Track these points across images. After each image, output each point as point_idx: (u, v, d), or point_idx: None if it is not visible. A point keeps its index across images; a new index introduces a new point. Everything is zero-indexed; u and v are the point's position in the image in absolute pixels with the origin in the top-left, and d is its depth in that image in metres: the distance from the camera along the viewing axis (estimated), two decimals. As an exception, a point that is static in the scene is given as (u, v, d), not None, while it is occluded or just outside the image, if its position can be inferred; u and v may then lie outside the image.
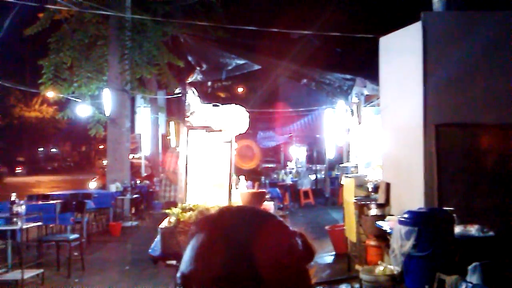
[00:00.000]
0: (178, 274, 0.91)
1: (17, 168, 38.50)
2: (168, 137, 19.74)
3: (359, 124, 9.12)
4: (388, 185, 6.29)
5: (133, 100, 17.37)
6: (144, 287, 6.93)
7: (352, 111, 9.73)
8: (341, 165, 10.85)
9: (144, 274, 7.62)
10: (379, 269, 5.28)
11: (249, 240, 0.87)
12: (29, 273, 6.93)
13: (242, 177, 6.34)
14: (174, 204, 5.54)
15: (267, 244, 0.88)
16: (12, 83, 13.96)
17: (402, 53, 6.28)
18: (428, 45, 5.79)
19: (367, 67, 8.43)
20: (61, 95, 14.44)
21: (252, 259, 0.85)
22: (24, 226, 6.95)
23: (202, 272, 0.86)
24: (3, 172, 36.20)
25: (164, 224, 4.69)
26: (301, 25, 10.05)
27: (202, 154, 5.81)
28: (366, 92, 9.48)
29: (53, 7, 12.75)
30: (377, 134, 8.07)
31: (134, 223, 12.67)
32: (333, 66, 9.45)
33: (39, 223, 7.57)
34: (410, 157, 5.98)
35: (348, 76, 9.71)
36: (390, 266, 5.21)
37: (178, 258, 4.89)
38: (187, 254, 0.91)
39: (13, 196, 6.99)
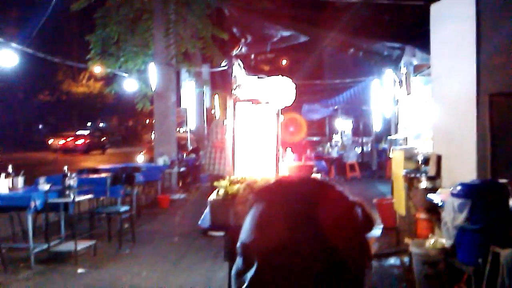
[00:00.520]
0: (239, 244, 0.89)
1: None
2: (212, 111, 19.86)
3: (408, 94, 8.91)
4: (439, 157, 6.14)
5: (178, 74, 17.46)
6: (193, 258, 7.03)
7: (400, 81, 9.50)
8: (389, 137, 10.64)
9: (193, 245, 7.74)
10: (430, 242, 5.18)
11: (310, 209, 0.85)
12: (81, 245, 7.12)
13: (289, 150, 6.31)
14: (220, 177, 5.55)
15: (329, 214, 0.86)
16: (60, 58, 14.22)
17: (454, 20, 6.05)
18: (482, 11, 5.56)
19: (416, 35, 8.20)
20: (108, 70, 14.65)
21: (313, 228, 0.83)
22: (76, 199, 7.13)
23: (263, 241, 0.84)
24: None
25: (213, 196, 4.71)
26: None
27: (249, 127, 5.80)
28: (415, 62, 9.23)
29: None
30: (427, 105, 7.87)
31: (182, 196, 12.87)
32: (381, 35, 9.23)
33: (91, 196, 7.76)
34: (463, 128, 5.81)
35: (396, 45, 9.47)
36: (441, 239, 5.11)
37: (227, 229, 4.92)
38: (247, 224, 0.89)
39: (65, 170, 7.18)
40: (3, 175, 7.03)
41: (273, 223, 0.85)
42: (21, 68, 20.21)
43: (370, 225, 0.92)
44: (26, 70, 30.68)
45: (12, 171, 7.21)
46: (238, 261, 0.89)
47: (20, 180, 7.29)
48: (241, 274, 0.87)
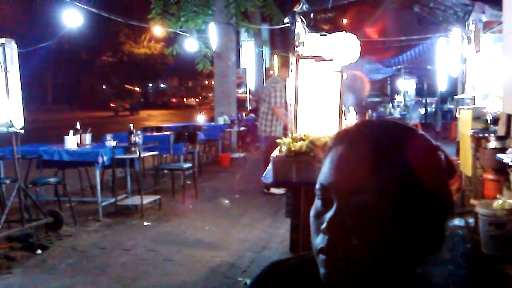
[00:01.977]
0: (317, 186, 0.88)
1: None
2: (271, 71, 19.78)
3: (477, 52, 8.54)
4: (509, 117, 5.89)
5: (237, 34, 17.41)
6: (254, 215, 7.13)
7: (469, 39, 9.11)
8: (456, 97, 10.29)
9: (253, 203, 7.86)
10: (498, 203, 5.05)
11: (394, 151, 0.83)
12: (147, 199, 7.36)
13: (351, 108, 6.22)
14: (275, 138, 5.55)
15: (411, 155, 0.83)
16: (123, 18, 14.42)
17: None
18: None
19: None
20: (170, 30, 14.77)
21: (398, 170, 0.81)
22: (142, 155, 7.34)
23: (344, 183, 0.83)
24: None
25: (276, 153, 4.74)
26: None
27: (311, 84, 5.73)
28: (484, 19, 8.80)
29: None
30: (497, 63, 7.53)
31: (242, 154, 13.02)
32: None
33: (155, 153, 7.96)
34: (536, 86, 5.52)
35: (465, 1, 9.04)
36: (509, 200, 4.97)
37: (289, 186, 4.95)
38: (326, 166, 0.88)
39: (131, 127, 7.38)
40: (71, 131, 7.31)
41: (353, 164, 0.84)
42: (84, 29, 20.70)
43: (452, 171, 0.89)
44: (90, 32, 31.48)
45: (80, 128, 7.48)
46: (317, 202, 0.88)
47: (88, 137, 7.56)
48: (320, 215, 0.86)
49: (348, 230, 0.81)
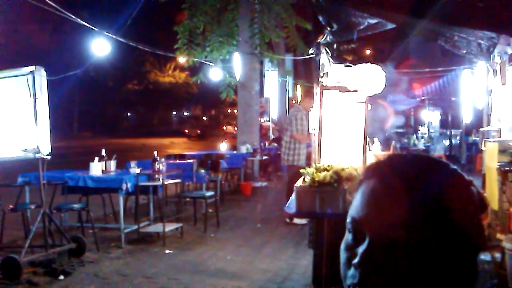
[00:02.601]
0: (348, 219, 0.88)
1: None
2: (294, 101, 19.86)
3: (503, 85, 8.47)
4: (536, 150, 5.80)
5: (261, 64, 17.57)
6: (276, 245, 7.08)
7: (494, 71, 9.05)
8: (481, 129, 10.18)
9: (275, 232, 7.81)
10: (526, 238, 4.94)
11: (427, 185, 0.82)
12: (169, 227, 7.37)
13: (376, 139, 6.19)
14: (298, 168, 5.54)
15: (446, 190, 0.83)
16: (150, 47, 14.67)
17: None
18: None
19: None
20: (195, 59, 14.97)
21: (430, 205, 0.80)
22: (165, 183, 7.37)
23: (376, 217, 0.82)
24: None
25: (299, 183, 4.72)
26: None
27: (336, 115, 5.74)
28: (510, 51, 8.75)
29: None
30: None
31: (264, 183, 12.98)
32: (474, 23, 8.81)
33: (179, 180, 7.99)
34: None
35: (490, 34, 9.02)
36: (538, 236, 4.85)
37: (312, 216, 4.91)
38: (358, 200, 0.88)
39: (155, 155, 7.44)
40: (96, 158, 7.40)
41: (385, 199, 0.83)
42: (110, 58, 21.13)
43: (484, 206, 0.88)
44: (116, 60, 32.09)
45: (105, 155, 7.56)
46: (347, 236, 0.88)
47: (112, 164, 7.64)
48: (351, 248, 0.86)
49: (380, 265, 0.80)
